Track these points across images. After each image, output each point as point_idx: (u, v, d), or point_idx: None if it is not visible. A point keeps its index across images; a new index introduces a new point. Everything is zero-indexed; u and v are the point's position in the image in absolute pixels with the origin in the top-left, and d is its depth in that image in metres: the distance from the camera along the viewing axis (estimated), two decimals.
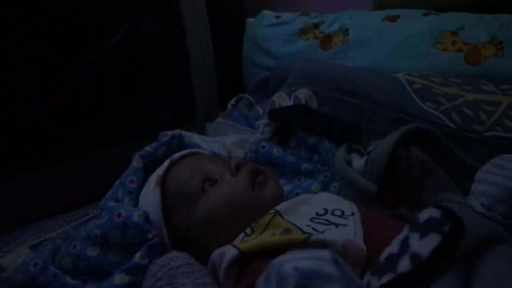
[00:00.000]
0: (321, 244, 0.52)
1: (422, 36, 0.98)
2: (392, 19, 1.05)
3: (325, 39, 1.12)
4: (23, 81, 0.92)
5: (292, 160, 0.87)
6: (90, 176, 1.03)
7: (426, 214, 0.50)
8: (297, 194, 0.82)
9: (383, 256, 0.49)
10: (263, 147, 0.90)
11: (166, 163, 0.71)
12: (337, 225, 0.57)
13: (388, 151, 0.67)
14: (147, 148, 0.74)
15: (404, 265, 0.46)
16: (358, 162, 0.72)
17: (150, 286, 0.54)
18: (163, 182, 0.68)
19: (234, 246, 0.54)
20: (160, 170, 0.70)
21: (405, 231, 0.50)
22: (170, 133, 0.98)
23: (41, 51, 0.93)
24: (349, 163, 0.73)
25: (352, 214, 0.60)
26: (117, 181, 0.73)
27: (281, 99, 0.90)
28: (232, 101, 1.17)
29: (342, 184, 0.77)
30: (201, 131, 1.13)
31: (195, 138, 0.92)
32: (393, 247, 0.49)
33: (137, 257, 0.59)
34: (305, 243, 0.53)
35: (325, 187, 0.82)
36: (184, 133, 1.02)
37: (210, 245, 0.61)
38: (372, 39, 1.05)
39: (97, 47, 0.99)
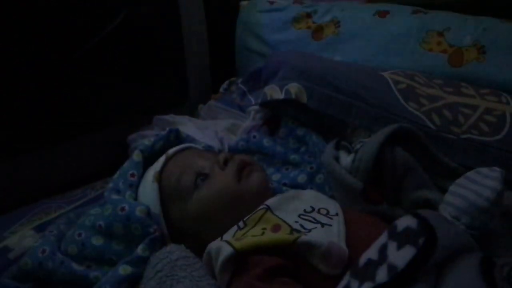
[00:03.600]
0: (308, 246, 0.57)
1: (409, 34, 1.01)
2: (382, 14, 1.07)
3: (317, 29, 1.14)
4: (18, 64, 0.93)
5: (281, 151, 0.90)
6: (85, 156, 1.05)
7: (404, 222, 0.54)
8: (285, 184, 0.86)
9: (362, 260, 0.54)
10: (254, 136, 0.93)
11: (162, 158, 0.75)
12: (322, 225, 0.62)
13: (374, 150, 0.70)
14: (146, 142, 0.78)
15: (382, 275, 0.50)
16: (345, 159, 0.75)
17: (151, 277, 0.59)
18: (160, 177, 0.72)
19: (230, 244, 0.58)
20: (157, 166, 0.73)
21: (384, 237, 0.54)
22: (164, 120, 1.02)
23: (36, 35, 0.94)
24: (337, 159, 0.76)
25: (337, 214, 0.65)
26: (117, 172, 0.76)
27: (273, 91, 0.92)
28: (224, 85, 1.20)
29: (329, 179, 0.81)
30: (194, 112, 1.17)
31: (190, 128, 0.95)
32: (372, 252, 0.54)
33: (140, 249, 0.64)
34: (294, 244, 0.58)
35: (311, 178, 0.86)
36: (178, 119, 1.05)
37: (205, 237, 0.65)
38: (362, 33, 1.07)
39: (94, 32, 1.00)
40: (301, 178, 0.86)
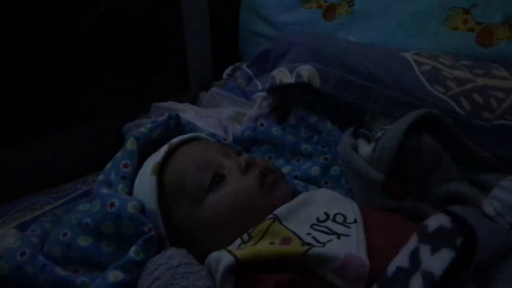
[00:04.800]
0: (321, 258, 0.50)
1: (431, 12, 0.95)
2: None
3: (329, 8, 1.08)
4: (8, 50, 0.86)
5: (291, 140, 0.84)
6: (77, 147, 0.99)
7: (436, 222, 0.47)
8: (296, 177, 0.80)
9: (391, 269, 0.47)
10: (262, 124, 0.87)
11: (165, 148, 0.66)
12: (339, 236, 0.54)
13: (399, 138, 0.64)
14: (142, 129, 0.69)
15: (417, 285, 0.44)
16: (365, 148, 0.69)
17: (148, 286, 0.51)
18: (161, 170, 0.64)
19: (230, 252, 0.51)
20: (158, 157, 0.65)
21: (414, 241, 0.48)
22: (163, 107, 0.94)
23: (29, 19, 0.88)
24: (355, 148, 0.70)
25: (355, 221, 0.57)
26: (110, 163, 0.68)
27: (282, 75, 0.87)
28: (228, 70, 1.14)
29: (346, 171, 0.75)
30: (195, 101, 1.11)
31: (191, 114, 0.88)
32: (402, 260, 0.47)
33: (132, 251, 0.56)
34: (304, 257, 0.50)
35: (325, 171, 0.80)
36: (179, 106, 0.98)
37: (209, 245, 0.57)
38: (378, 12, 1.01)
39: (90, 11, 0.93)
40: (314, 170, 0.80)
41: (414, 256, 0.46)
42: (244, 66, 1.09)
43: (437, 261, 0.44)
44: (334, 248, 0.52)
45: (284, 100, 0.92)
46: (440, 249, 0.45)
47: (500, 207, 0.52)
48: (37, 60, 0.91)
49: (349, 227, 0.56)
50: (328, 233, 0.55)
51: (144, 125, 0.70)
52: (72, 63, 0.96)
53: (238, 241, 0.56)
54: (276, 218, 0.57)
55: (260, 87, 1.00)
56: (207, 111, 1.01)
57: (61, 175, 0.92)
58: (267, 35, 1.15)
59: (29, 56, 0.89)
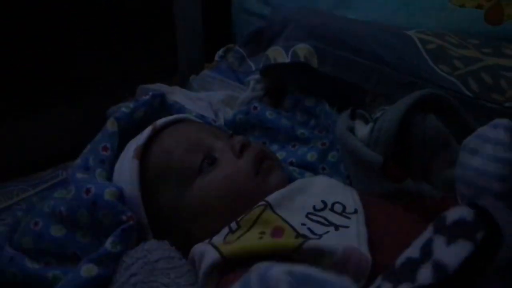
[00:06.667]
0: (317, 252, 0.45)
1: None
2: None
3: None
4: None
5: (286, 125, 0.80)
6: (57, 132, 0.94)
7: (456, 214, 0.42)
8: (291, 163, 0.76)
9: (400, 260, 0.42)
10: (255, 108, 0.82)
11: (148, 130, 0.61)
12: (337, 227, 0.50)
13: (397, 118, 0.61)
14: (124, 109, 0.64)
15: (425, 275, 0.38)
16: (362, 130, 0.66)
17: (123, 282, 0.45)
18: (144, 153, 0.59)
19: (216, 247, 0.46)
20: (141, 139, 0.60)
21: (429, 232, 0.42)
22: (150, 89, 0.89)
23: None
24: (352, 130, 0.67)
25: (355, 211, 0.52)
26: (88, 146, 0.63)
27: (277, 54, 0.82)
28: (220, 52, 1.08)
29: (343, 154, 0.71)
30: (185, 84, 1.05)
31: (178, 96, 0.82)
32: (413, 251, 0.42)
33: (109, 243, 0.51)
34: (298, 251, 0.45)
35: (322, 156, 0.76)
36: (167, 89, 0.92)
37: (196, 233, 0.53)
38: None
39: None
40: (311, 156, 0.77)
41: (426, 247, 0.41)
42: (236, 46, 1.03)
43: (452, 253, 0.38)
44: (332, 241, 0.47)
45: (279, 83, 0.87)
46: (457, 240, 0.39)
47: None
48: (20, 41, 0.86)
49: (348, 218, 0.51)
50: (325, 224, 0.50)
51: (125, 105, 0.64)
52: (57, 44, 0.91)
53: (225, 230, 0.51)
54: (268, 205, 0.52)
55: (253, 68, 0.96)
56: (197, 95, 0.96)
57: (40, 161, 0.86)
58: (262, 14, 1.10)
59: (13, 37, 0.85)
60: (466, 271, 0.38)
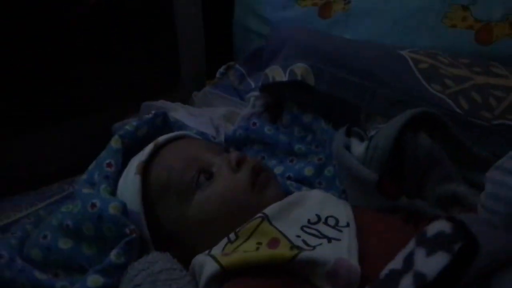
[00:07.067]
0: (310, 263, 0.47)
1: (429, 9, 0.93)
2: None
3: (324, 6, 1.06)
4: None
5: (284, 140, 0.82)
6: (64, 147, 0.96)
7: (435, 227, 0.45)
8: (289, 178, 0.78)
9: (384, 272, 0.45)
10: (254, 124, 0.85)
11: (150, 146, 0.64)
12: (329, 240, 0.52)
13: (392, 137, 0.62)
14: (127, 127, 0.67)
15: (406, 284, 0.41)
16: (358, 147, 0.67)
17: None
18: (145, 169, 0.61)
19: (215, 259, 0.48)
20: (143, 155, 0.63)
21: (411, 244, 0.45)
22: (153, 107, 0.92)
23: (19, 14, 0.87)
24: (348, 148, 0.68)
25: (347, 225, 0.55)
26: (94, 162, 0.66)
27: (276, 73, 0.84)
28: (221, 69, 1.11)
29: (339, 170, 0.73)
30: (187, 100, 1.08)
31: (181, 112, 0.85)
32: (396, 263, 0.45)
33: (113, 255, 0.54)
34: (293, 262, 0.48)
35: (319, 171, 0.78)
36: (169, 106, 0.95)
37: (196, 246, 0.55)
38: (375, 9, 0.99)
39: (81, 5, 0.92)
40: (308, 170, 0.78)
41: (408, 259, 0.44)
42: (237, 65, 1.06)
43: (430, 264, 0.41)
44: (324, 252, 0.49)
45: (278, 100, 0.89)
46: (436, 252, 0.42)
47: (488, 202, 0.50)
48: (25, 57, 0.88)
49: (341, 231, 0.54)
50: (318, 237, 0.53)
51: (129, 123, 0.67)
52: (61, 60, 0.93)
53: (224, 241, 0.54)
54: (266, 217, 0.54)
55: (253, 86, 0.98)
56: (200, 111, 0.98)
57: (47, 175, 0.88)
58: (262, 33, 1.13)
59: (17, 52, 0.87)
60: (444, 280, 0.40)
